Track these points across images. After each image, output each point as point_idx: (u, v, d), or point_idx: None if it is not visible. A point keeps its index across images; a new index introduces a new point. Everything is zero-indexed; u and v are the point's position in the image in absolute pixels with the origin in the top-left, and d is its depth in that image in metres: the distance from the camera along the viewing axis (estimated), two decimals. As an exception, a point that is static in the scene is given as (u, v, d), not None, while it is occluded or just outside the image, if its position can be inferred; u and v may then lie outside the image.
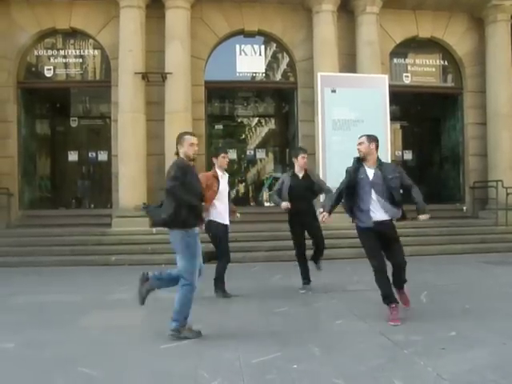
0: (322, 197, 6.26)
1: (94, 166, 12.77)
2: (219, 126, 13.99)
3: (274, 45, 11.19)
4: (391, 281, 4.37)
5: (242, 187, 15.36)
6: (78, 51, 10.80)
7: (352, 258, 7.60)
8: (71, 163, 12.21)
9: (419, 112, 13.52)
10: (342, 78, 9.75)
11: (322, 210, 4.74)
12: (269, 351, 3.48)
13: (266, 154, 14.17)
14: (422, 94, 12.05)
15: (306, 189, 5.68)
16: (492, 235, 9.61)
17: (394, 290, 4.43)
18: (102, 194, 11.88)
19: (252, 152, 13.80)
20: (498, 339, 3.68)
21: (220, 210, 5.50)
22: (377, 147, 4.40)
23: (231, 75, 10.90)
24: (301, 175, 5.75)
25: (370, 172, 4.33)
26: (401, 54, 11.43)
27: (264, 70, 11.26)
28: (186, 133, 4.23)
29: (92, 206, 12.58)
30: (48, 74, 10.69)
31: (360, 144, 4.38)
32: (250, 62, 11.03)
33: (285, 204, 5.58)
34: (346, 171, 4.46)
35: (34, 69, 10.90)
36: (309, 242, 5.82)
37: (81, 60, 10.88)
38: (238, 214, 5.88)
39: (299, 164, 5.77)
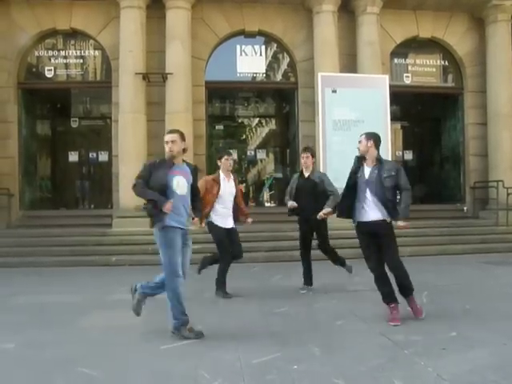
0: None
1: (95, 166, 12.76)
2: (220, 127, 13.96)
3: (275, 45, 11.20)
4: (394, 284, 4.32)
5: (242, 187, 15.34)
6: (78, 52, 10.81)
7: (353, 258, 7.57)
8: (72, 164, 12.22)
9: (420, 112, 13.51)
10: (342, 79, 9.75)
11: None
12: (269, 351, 3.48)
13: (267, 155, 14.17)
14: (423, 94, 12.04)
15: (310, 188, 5.67)
16: (492, 235, 9.61)
17: (404, 300, 4.34)
18: (103, 195, 11.88)
19: (252, 152, 13.79)
20: (498, 339, 3.68)
21: (221, 214, 5.47)
22: (376, 145, 4.33)
23: (232, 75, 10.91)
24: (306, 175, 5.77)
25: (367, 171, 4.32)
26: (401, 54, 11.43)
27: (264, 71, 11.27)
28: (168, 131, 4.19)
29: (92, 206, 12.60)
30: (48, 74, 10.71)
31: (359, 142, 4.37)
32: (251, 62, 11.04)
33: (290, 203, 5.63)
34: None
35: (34, 69, 10.91)
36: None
37: (81, 60, 10.89)
38: (250, 220, 5.76)
39: (301, 164, 5.88)
